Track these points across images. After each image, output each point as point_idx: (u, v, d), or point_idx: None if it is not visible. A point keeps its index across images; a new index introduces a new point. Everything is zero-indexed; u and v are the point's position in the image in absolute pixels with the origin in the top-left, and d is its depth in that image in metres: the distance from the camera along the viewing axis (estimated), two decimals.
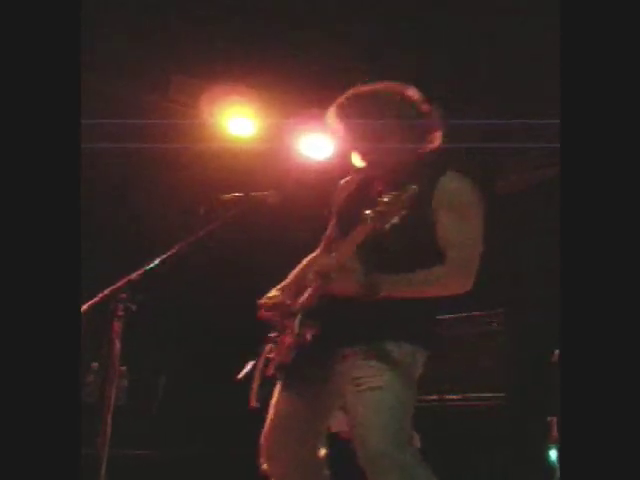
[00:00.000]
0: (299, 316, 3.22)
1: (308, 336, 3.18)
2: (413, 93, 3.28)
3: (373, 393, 3.04)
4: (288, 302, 3.37)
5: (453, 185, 3.16)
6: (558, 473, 4.59)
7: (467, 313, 5.63)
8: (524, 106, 5.38)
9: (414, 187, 2.92)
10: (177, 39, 5.32)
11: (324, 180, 5.88)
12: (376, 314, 3.09)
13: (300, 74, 5.50)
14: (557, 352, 4.75)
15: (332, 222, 3.57)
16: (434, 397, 5.40)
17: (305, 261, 3.64)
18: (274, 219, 4.82)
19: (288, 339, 3.26)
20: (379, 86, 3.29)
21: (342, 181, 3.58)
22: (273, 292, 3.50)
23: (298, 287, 3.43)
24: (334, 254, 3.11)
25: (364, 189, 3.39)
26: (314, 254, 3.65)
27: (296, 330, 3.19)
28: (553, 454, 4.73)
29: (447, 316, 5.62)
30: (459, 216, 3.11)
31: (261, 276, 3.82)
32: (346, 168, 3.54)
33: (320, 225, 3.75)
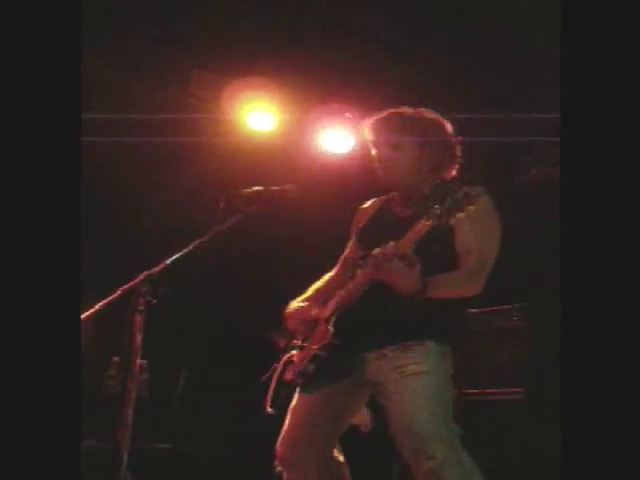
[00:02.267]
0: (331, 322, 3.29)
1: (334, 344, 3.25)
2: (447, 125, 3.46)
3: (418, 377, 3.16)
4: (315, 311, 3.44)
5: (476, 200, 3.23)
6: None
7: (488, 308, 5.61)
8: (542, 99, 5.36)
9: (481, 187, 3.06)
10: (197, 34, 5.33)
11: (344, 175, 5.91)
12: (415, 315, 3.19)
13: (320, 69, 5.49)
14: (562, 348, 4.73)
15: (351, 243, 3.68)
16: (453, 391, 5.38)
17: (322, 280, 3.71)
18: (294, 213, 4.82)
19: (315, 346, 3.31)
20: (418, 111, 3.45)
21: (364, 204, 3.69)
22: (296, 303, 3.57)
23: (321, 299, 3.51)
24: (392, 243, 3.09)
25: (387, 210, 3.53)
26: (331, 273, 3.73)
27: (329, 337, 3.27)
28: None
29: (468, 310, 5.60)
30: (479, 226, 3.23)
31: (281, 270, 3.83)
32: (366, 163, 3.57)
33: (339, 219, 3.76)
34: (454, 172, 3.46)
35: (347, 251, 3.71)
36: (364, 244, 3.46)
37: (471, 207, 2.97)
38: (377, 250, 3.10)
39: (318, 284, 3.69)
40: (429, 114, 3.46)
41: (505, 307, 5.59)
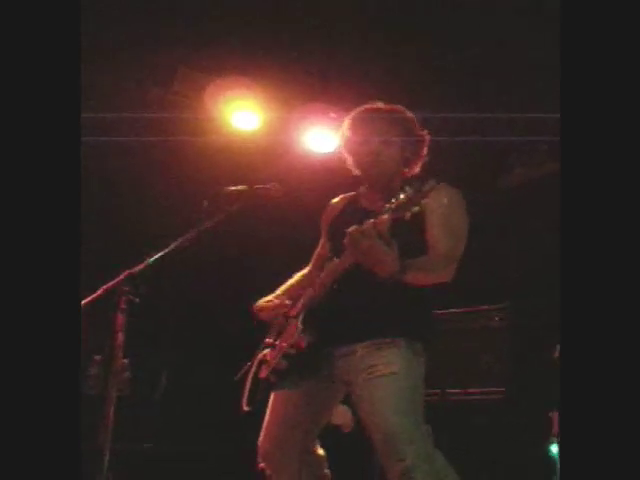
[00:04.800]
0: (300, 319, 3.30)
1: (304, 341, 3.24)
2: (415, 120, 3.51)
3: (388, 378, 3.14)
4: (287, 303, 3.46)
5: (441, 193, 3.27)
6: (559, 468, 4.61)
7: (469, 307, 5.63)
8: (528, 99, 5.38)
9: (434, 181, 3.01)
10: (181, 32, 5.31)
11: (328, 173, 5.90)
12: (386, 311, 3.20)
13: (304, 68, 5.50)
14: (559, 347, 4.76)
15: (322, 240, 3.70)
16: (435, 391, 5.39)
17: (295, 278, 3.73)
18: (277, 212, 4.83)
19: (285, 344, 3.32)
20: (390, 107, 3.49)
21: (332, 201, 3.71)
22: (268, 297, 3.59)
23: (292, 296, 3.52)
24: (370, 221, 3.00)
25: (353, 205, 3.56)
26: (304, 271, 3.74)
27: (297, 334, 3.27)
28: (554, 449, 4.74)
29: (449, 310, 5.62)
30: (445, 217, 3.27)
31: (265, 269, 3.84)
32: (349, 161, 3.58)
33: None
34: (418, 168, 3.50)
35: (319, 249, 3.73)
36: (333, 240, 3.49)
37: (426, 200, 2.94)
38: (353, 227, 2.99)
39: (290, 282, 3.71)
40: (404, 110, 3.51)
41: (487, 307, 5.61)
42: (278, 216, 5.54)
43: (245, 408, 3.41)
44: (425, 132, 3.51)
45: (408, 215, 2.94)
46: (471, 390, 5.49)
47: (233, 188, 3.49)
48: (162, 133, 5.43)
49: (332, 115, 5.69)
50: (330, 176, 5.80)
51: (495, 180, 6.56)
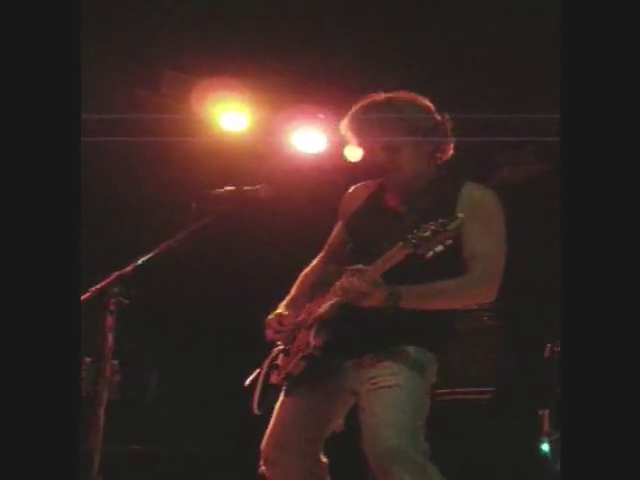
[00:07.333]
0: (314, 328, 3.23)
1: (317, 352, 3.19)
2: (428, 103, 3.28)
3: (389, 390, 3.05)
4: (300, 318, 3.37)
5: (476, 196, 3.20)
6: (550, 466, 4.62)
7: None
8: (519, 100, 5.39)
9: (461, 216, 2.93)
10: (169, 34, 5.31)
11: (317, 174, 5.91)
12: (395, 321, 3.09)
13: (292, 69, 5.49)
14: (549, 347, 4.78)
15: (337, 230, 3.59)
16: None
17: (307, 270, 3.64)
18: (266, 213, 4.82)
19: (299, 350, 3.27)
20: (394, 95, 3.28)
21: (351, 188, 3.57)
22: (280, 309, 3.49)
23: (304, 300, 3.44)
24: (365, 269, 3.02)
25: (377, 200, 3.41)
26: (314, 262, 3.65)
27: (312, 343, 3.20)
28: (545, 447, 4.75)
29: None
30: (483, 227, 3.14)
31: (253, 270, 3.83)
32: (338, 162, 3.55)
33: (311, 219, 3.75)
34: (451, 151, 3.33)
35: (332, 238, 3.62)
36: (353, 235, 3.41)
37: (449, 241, 2.86)
38: (342, 279, 3.05)
39: (305, 273, 3.61)
40: (410, 98, 3.28)
41: (476, 308, 5.60)
42: (267, 217, 5.53)
43: (256, 412, 3.38)
44: (442, 116, 3.28)
45: (430, 255, 2.87)
46: (461, 390, 5.49)
47: (222, 190, 3.47)
48: (150, 134, 5.41)
49: (321, 116, 5.70)
50: (319, 177, 5.82)
51: (485, 179, 6.56)
